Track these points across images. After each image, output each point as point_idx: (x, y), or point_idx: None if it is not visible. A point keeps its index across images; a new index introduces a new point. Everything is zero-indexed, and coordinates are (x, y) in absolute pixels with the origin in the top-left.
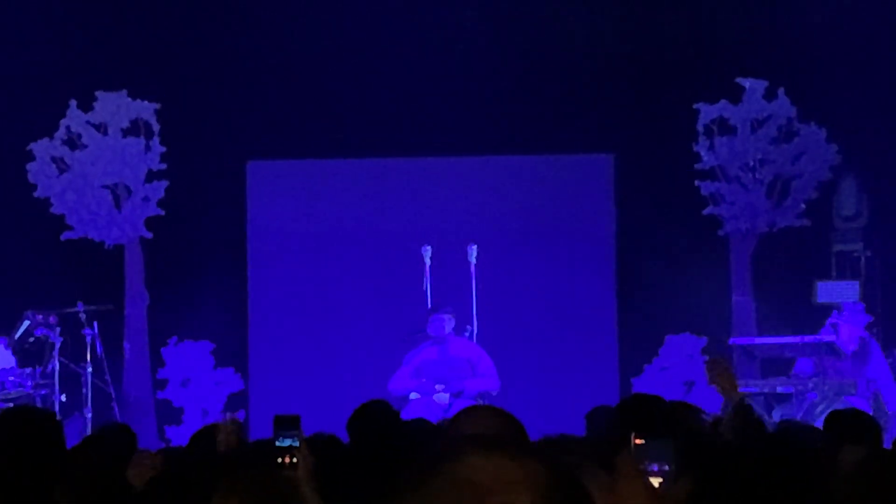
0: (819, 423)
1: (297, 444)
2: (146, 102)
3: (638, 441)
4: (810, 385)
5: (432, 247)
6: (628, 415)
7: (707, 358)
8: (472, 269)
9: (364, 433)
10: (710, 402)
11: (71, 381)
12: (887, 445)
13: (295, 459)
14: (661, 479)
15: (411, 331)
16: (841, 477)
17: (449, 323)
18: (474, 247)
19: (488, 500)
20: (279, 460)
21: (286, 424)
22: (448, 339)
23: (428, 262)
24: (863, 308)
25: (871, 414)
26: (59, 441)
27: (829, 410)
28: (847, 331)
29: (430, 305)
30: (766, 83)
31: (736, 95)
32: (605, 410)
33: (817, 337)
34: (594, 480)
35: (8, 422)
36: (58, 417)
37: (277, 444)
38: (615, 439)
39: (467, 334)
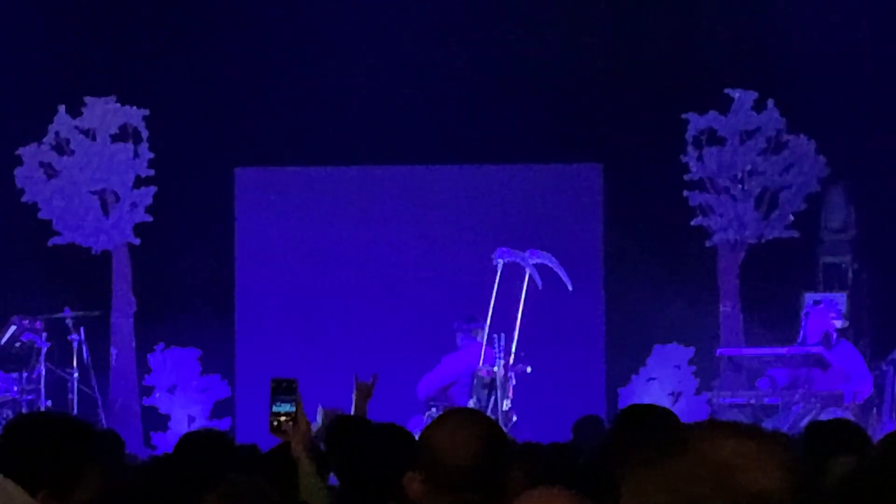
0: None
1: (293, 409)
2: (135, 108)
3: None
4: (796, 397)
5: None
6: (628, 425)
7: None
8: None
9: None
10: (697, 413)
11: (57, 387)
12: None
13: (291, 423)
14: None
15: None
16: (830, 489)
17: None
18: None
19: (738, 477)
20: (275, 424)
21: (284, 389)
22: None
23: (500, 267)
24: (830, 308)
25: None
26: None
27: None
28: (815, 321)
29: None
30: (755, 94)
31: (725, 106)
32: (592, 420)
33: (805, 348)
34: None
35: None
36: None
37: (274, 409)
38: (612, 448)
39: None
